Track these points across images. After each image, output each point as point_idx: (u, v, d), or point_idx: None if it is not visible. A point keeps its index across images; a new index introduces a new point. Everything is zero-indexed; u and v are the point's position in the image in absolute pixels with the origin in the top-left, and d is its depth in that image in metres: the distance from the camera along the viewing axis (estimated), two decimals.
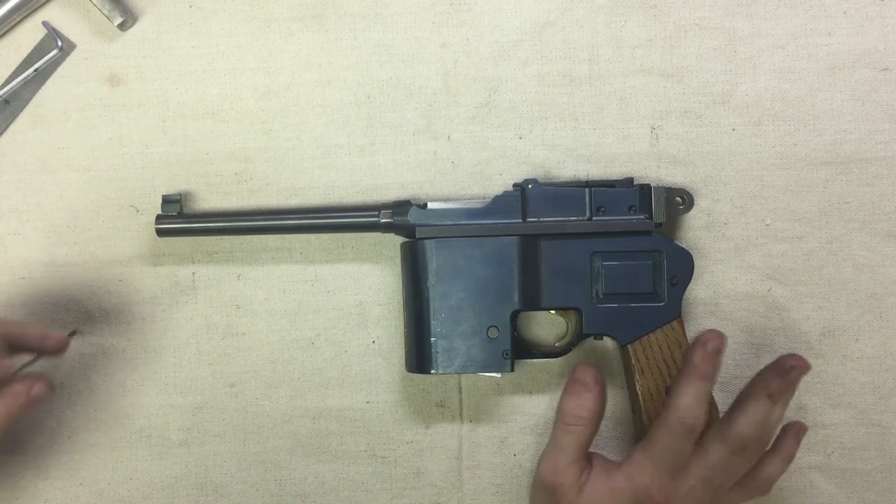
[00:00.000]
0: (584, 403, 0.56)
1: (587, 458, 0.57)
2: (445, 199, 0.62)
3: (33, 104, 0.65)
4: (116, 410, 0.66)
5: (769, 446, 0.57)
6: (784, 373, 0.55)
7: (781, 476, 0.58)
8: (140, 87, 0.65)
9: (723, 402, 0.64)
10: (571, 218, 0.60)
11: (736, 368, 0.64)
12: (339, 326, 0.65)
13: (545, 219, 0.60)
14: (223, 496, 0.66)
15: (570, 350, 0.62)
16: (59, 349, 0.61)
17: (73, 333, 0.63)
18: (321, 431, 0.65)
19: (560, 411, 0.57)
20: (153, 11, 0.65)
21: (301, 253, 0.65)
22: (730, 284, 0.64)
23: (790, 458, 0.58)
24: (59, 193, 0.65)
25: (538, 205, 0.60)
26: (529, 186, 0.61)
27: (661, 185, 0.62)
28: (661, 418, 0.56)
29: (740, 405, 0.56)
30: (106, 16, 0.64)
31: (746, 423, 0.55)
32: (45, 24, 0.65)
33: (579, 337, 0.61)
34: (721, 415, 0.58)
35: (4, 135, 0.66)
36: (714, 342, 0.55)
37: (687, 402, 0.54)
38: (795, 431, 0.58)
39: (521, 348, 0.61)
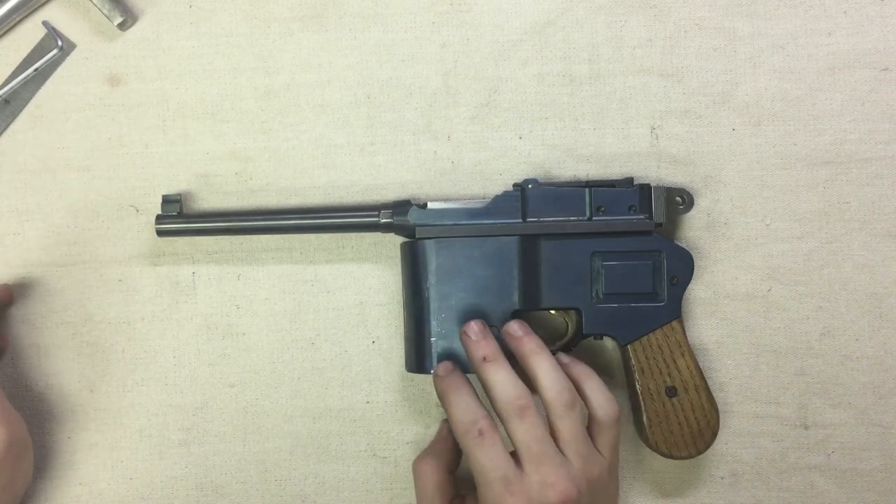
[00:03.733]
0: (423, 462, 0.59)
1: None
2: (445, 199, 0.62)
3: (33, 104, 0.65)
4: (116, 410, 0.66)
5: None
6: (469, 341, 0.57)
7: (602, 385, 0.58)
8: (140, 87, 0.65)
9: (723, 402, 0.64)
10: (571, 218, 0.60)
11: (736, 369, 0.64)
12: (339, 326, 0.65)
13: (545, 219, 0.60)
14: (223, 496, 0.66)
15: (570, 350, 0.62)
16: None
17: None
18: (321, 431, 0.65)
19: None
20: (153, 11, 0.65)
21: (301, 253, 0.65)
22: (730, 284, 0.64)
23: (583, 370, 0.58)
24: (59, 193, 0.65)
25: (538, 205, 0.60)
26: (529, 186, 0.61)
27: (661, 185, 0.62)
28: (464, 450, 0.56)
29: (484, 387, 0.56)
30: (106, 16, 0.64)
31: (495, 392, 0.55)
32: (45, 23, 0.65)
33: (579, 337, 0.61)
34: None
35: (4, 135, 0.66)
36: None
37: (457, 414, 0.55)
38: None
39: None
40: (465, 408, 0.55)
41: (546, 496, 0.53)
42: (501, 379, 0.55)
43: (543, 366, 0.56)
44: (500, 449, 0.54)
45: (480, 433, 0.54)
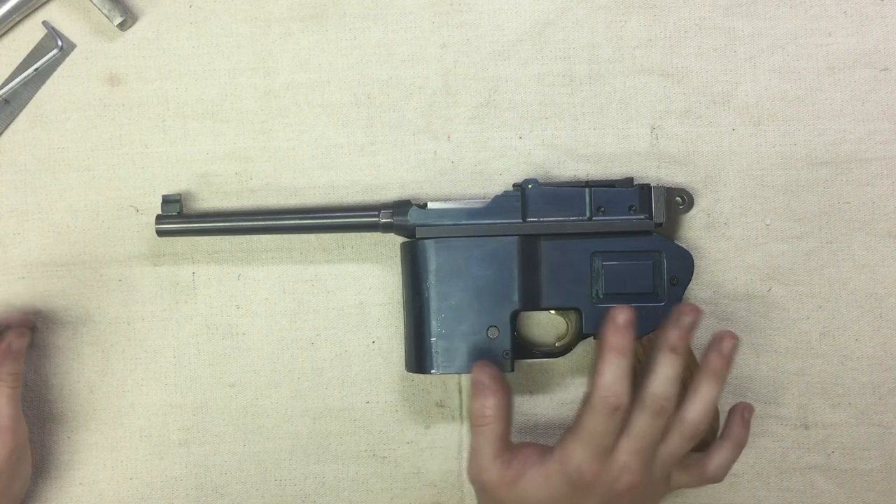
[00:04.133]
0: (486, 402, 0.57)
1: (510, 452, 0.57)
2: (445, 199, 0.61)
3: (33, 104, 0.65)
4: (116, 410, 0.66)
5: (717, 432, 0.59)
6: (679, 323, 0.55)
7: (734, 461, 0.58)
8: (140, 87, 0.65)
9: (723, 402, 0.64)
10: (571, 218, 0.60)
11: (736, 369, 0.64)
12: (339, 326, 0.65)
13: (545, 219, 0.60)
14: (223, 496, 0.66)
15: (571, 350, 0.62)
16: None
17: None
18: (321, 431, 0.65)
19: (470, 414, 0.58)
20: (153, 11, 0.65)
21: (301, 253, 0.65)
22: (730, 284, 0.64)
23: (740, 442, 0.59)
24: (59, 193, 0.65)
25: (538, 205, 0.60)
26: (529, 186, 0.61)
27: (661, 185, 0.62)
28: (586, 400, 0.56)
29: (649, 368, 0.56)
30: (106, 16, 0.64)
31: (656, 381, 0.55)
32: (45, 23, 0.65)
33: (579, 337, 0.61)
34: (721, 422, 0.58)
35: (4, 135, 0.66)
36: (625, 315, 0.55)
37: (607, 380, 0.54)
38: (741, 412, 0.59)
39: (521, 348, 0.61)
40: (619, 377, 0.55)
41: (620, 477, 0.55)
42: (671, 376, 0.55)
43: (711, 395, 0.56)
44: (618, 426, 0.55)
45: (617, 408, 0.54)
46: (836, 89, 0.64)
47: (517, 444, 0.59)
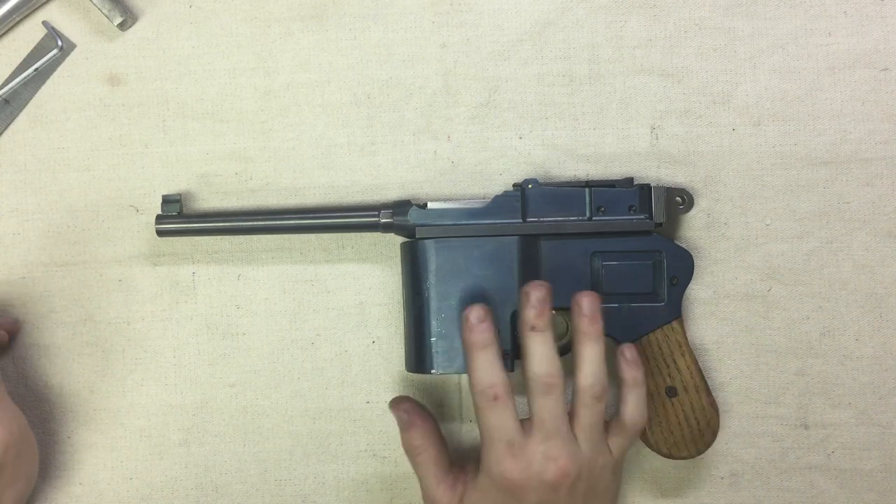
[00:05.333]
0: (411, 433, 0.59)
1: (453, 474, 0.58)
2: (445, 199, 0.61)
3: (33, 104, 0.65)
4: (116, 410, 0.66)
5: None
6: (529, 302, 0.55)
7: (643, 399, 0.58)
8: (140, 87, 0.65)
9: (723, 402, 0.64)
10: (571, 218, 0.60)
11: (736, 368, 0.64)
12: (339, 326, 0.65)
13: (545, 219, 0.60)
14: (223, 496, 0.66)
15: (570, 350, 0.62)
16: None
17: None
18: (321, 431, 0.65)
19: (405, 450, 0.60)
20: (153, 11, 0.65)
21: (301, 253, 0.65)
22: (730, 284, 0.64)
23: (637, 379, 0.58)
24: (59, 193, 0.65)
25: (538, 205, 0.60)
26: (529, 186, 0.61)
27: (661, 185, 0.62)
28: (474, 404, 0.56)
29: (523, 354, 0.56)
30: (106, 16, 0.64)
31: (531, 362, 0.55)
32: (45, 23, 0.65)
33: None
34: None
35: (4, 135, 0.66)
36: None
37: (479, 373, 0.55)
38: (620, 355, 0.59)
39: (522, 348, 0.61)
40: (488, 368, 0.55)
41: (546, 468, 0.54)
42: (542, 352, 0.55)
43: (591, 354, 0.56)
44: (511, 413, 0.55)
45: (496, 397, 0.54)
46: (836, 89, 0.64)
47: (462, 464, 0.59)
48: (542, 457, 0.54)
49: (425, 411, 0.61)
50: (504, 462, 0.55)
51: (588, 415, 0.56)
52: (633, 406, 0.58)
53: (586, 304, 0.56)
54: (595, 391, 0.56)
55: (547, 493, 0.55)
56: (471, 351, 0.56)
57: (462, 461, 0.60)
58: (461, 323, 0.56)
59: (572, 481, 0.55)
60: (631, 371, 0.58)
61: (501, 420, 0.55)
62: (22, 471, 0.60)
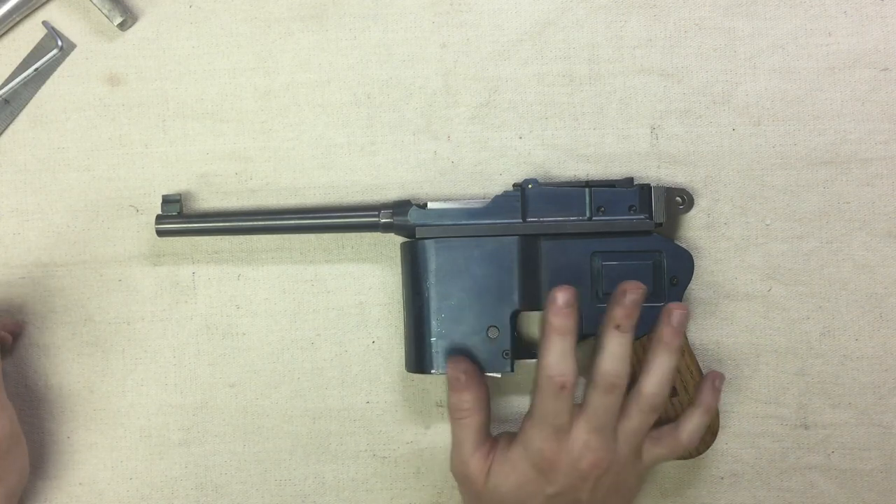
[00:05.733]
0: (462, 396, 0.58)
1: (489, 443, 0.59)
2: (445, 199, 0.61)
3: (33, 104, 0.65)
4: (116, 410, 0.66)
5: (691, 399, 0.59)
6: (622, 301, 0.55)
7: (705, 427, 0.59)
8: (140, 87, 0.65)
9: (723, 402, 0.64)
10: (571, 218, 0.60)
11: (736, 369, 0.64)
12: (339, 326, 0.65)
13: (545, 219, 0.60)
14: (223, 496, 0.66)
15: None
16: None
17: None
18: (321, 431, 0.65)
19: (448, 408, 0.59)
20: (153, 11, 0.65)
21: (301, 253, 0.65)
22: (730, 284, 0.64)
23: (710, 408, 0.59)
24: (59, 193, 0.65)
25: (538, 205, 0.60)
26: (529, 186, 0.61)
27: (661, 185, 0.62)
28: (535, 382, 0.56)
29: (597, 347, 0.56)
30: (106, 16, 0.64)
31: (604, 358, 0.55)
32: (45, 23, 0.65)
33: (579, 337, 0.61)
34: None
35: (4, 135, 0.66)
36: (564, 296, 0.55)
37: (550, 360, 0.55)
38: (712, 380, 0.59)
39: (522, 348, 0.61)
40: (562, 356, 0.55)
41: (584, 456, 0.55)
42: (618, 352, 0.55)
43: (664, 365, 0.56)
44: (570, 405, 0.55)
45: (563, 387, 0.55)
46: (836, 89, 0.64)
47: (496, 435, 0.60)
48: (583, 445, 0.55)
49: (481, 377, 0.59)
50: (546, 441, 0.56)
51: (638, 420, 0.57)
52: (694, 429, 0.59)
53: (677, 317, 0.56)
54: (655, 401, 0.56)
55: (575, 479, 0.56)
56: (549, 333, 0.55)
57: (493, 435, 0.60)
58: (545, 302, 0.56)
59: (602, 473, 0.56)
60: (715, 397, 0.59)
61: (559, 408, 0.55)
62: (13, 466, 0.60)
